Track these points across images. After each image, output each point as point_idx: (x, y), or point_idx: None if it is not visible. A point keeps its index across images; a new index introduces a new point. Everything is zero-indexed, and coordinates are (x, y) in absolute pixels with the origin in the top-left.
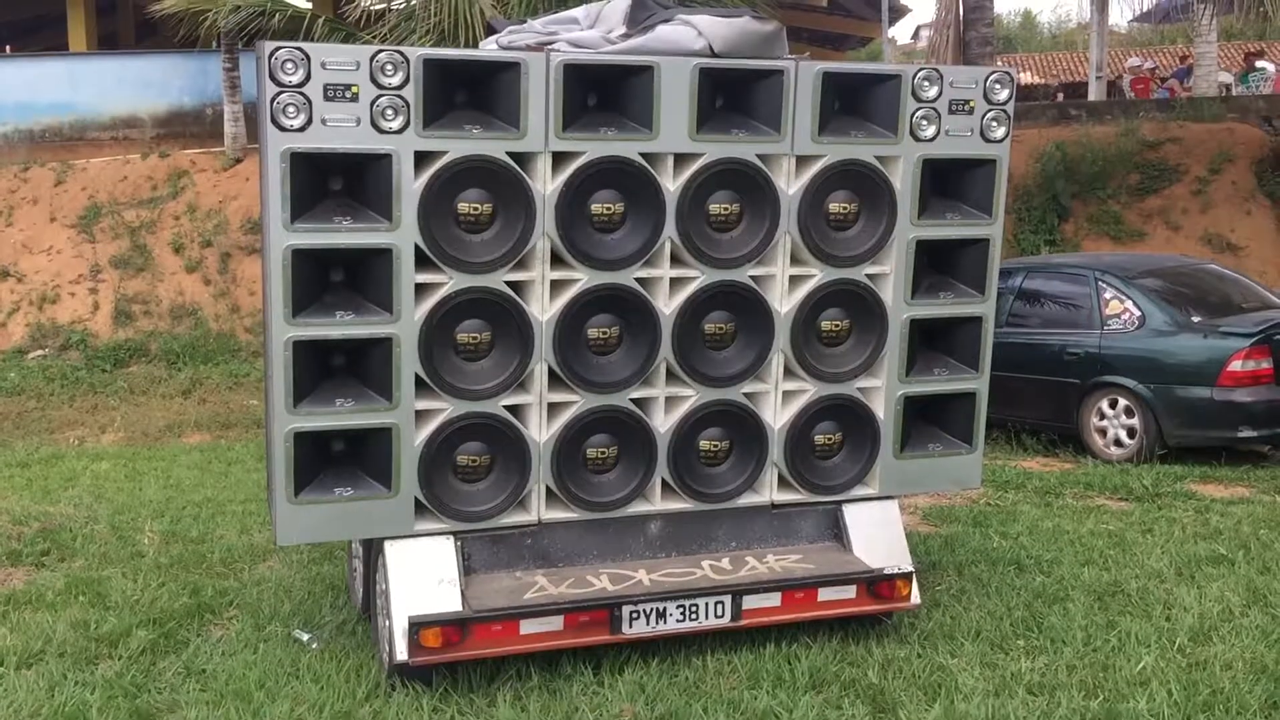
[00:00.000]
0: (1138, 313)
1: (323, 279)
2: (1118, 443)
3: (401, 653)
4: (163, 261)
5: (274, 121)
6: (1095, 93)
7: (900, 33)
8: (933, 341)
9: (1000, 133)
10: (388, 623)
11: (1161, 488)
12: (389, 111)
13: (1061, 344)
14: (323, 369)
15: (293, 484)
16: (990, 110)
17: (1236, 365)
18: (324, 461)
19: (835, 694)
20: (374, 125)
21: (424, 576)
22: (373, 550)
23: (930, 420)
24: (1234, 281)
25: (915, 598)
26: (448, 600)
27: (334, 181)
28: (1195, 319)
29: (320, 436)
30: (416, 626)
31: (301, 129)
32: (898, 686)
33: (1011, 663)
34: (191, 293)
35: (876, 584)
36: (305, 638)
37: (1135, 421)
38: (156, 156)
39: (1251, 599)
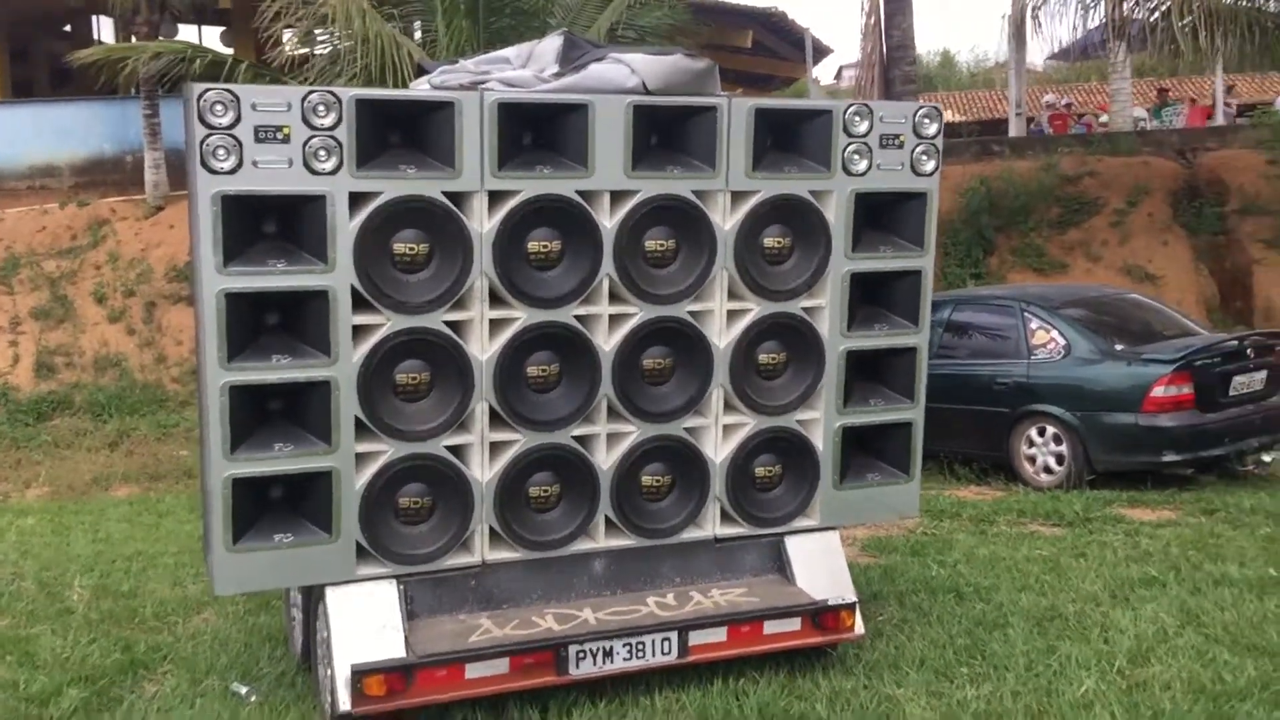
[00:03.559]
0: (1063, 342)
1: (257, 323)
2: (1047, 469)
3: (344, 703)
4: (84, 312)
5: (204, 164)
6: (1015, 129)
7: (823, 73)
8: (868, 373)
9: (930, 166)
10: (329, 671)
11: (1092, 512)
12: (322, 152)
13: (990, 374)
14: (259, 414)
15: (230, 531)
16: (919, 144)
17: (1159, 391)
18: (262, 508)
19: None
20: (307, 166)
21: (366, 622)
22: (313, 597)
23: (868, 451)
24: (1154, 310)
25: (859, 628)
26: (391, 646)
27: (267, 224)
28: (1119, 347)
29: (258, 482)
30: (359, 674)
31: (232, 171)
32: (847, 719)
33: (957, 690)
34: (115, 343)
35: (821, 615)
36: (243, 691)
37: (1063, 448)
38: (75, 206)
39: (1185, 619)
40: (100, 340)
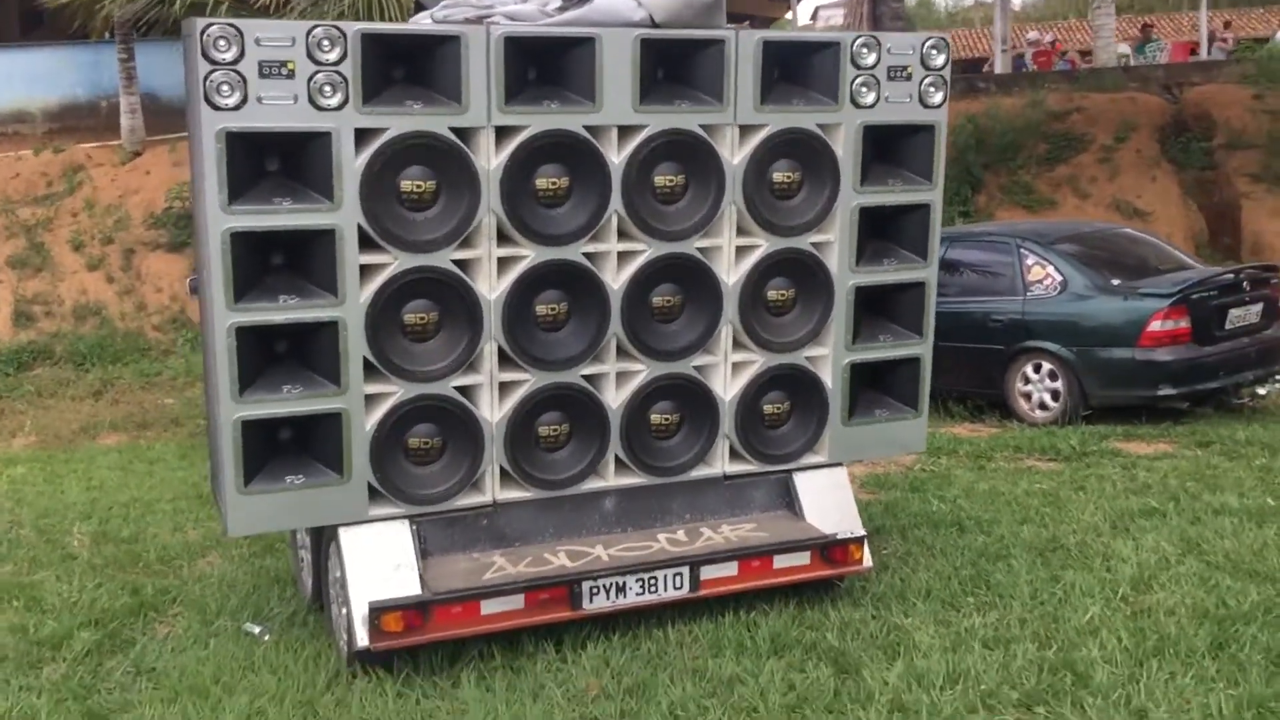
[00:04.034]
0: (1059, 278)
1: (263, 263)
2: (1042, 406)
3: (362, 639)
4: (62, 260)
5: (207, 100)
6: (1001, 66)
7: (800, 15)
8: (876, 308)
9: (938, 98)
10: (345, 610)
11: (1088, 447)
12: (327, 88)
13: (985, 311)
14: (267, 355)
15: (242, 474)
16: (927, 76)
17: (1156, 325)
18: (272, 450)
19: (798, 658)
20: (312, 102)
21: (381, 562)
22: (324, 538)
23: (875, 386)
24: (1149, 244)
25: (867, 561)
26: (407, 584)
27: (270, 162)
28: (1115, 282)
29: (267, 425)
30: (377, 612)
31: (236, 107)
32: (857, 647)
33: (964, 619)
34: (95, 291)
35: (830, 549)
36: (256, 630)
37: (1059, 384)
38: (50, 152)
39: (1186, 548)
40: (79, 289)
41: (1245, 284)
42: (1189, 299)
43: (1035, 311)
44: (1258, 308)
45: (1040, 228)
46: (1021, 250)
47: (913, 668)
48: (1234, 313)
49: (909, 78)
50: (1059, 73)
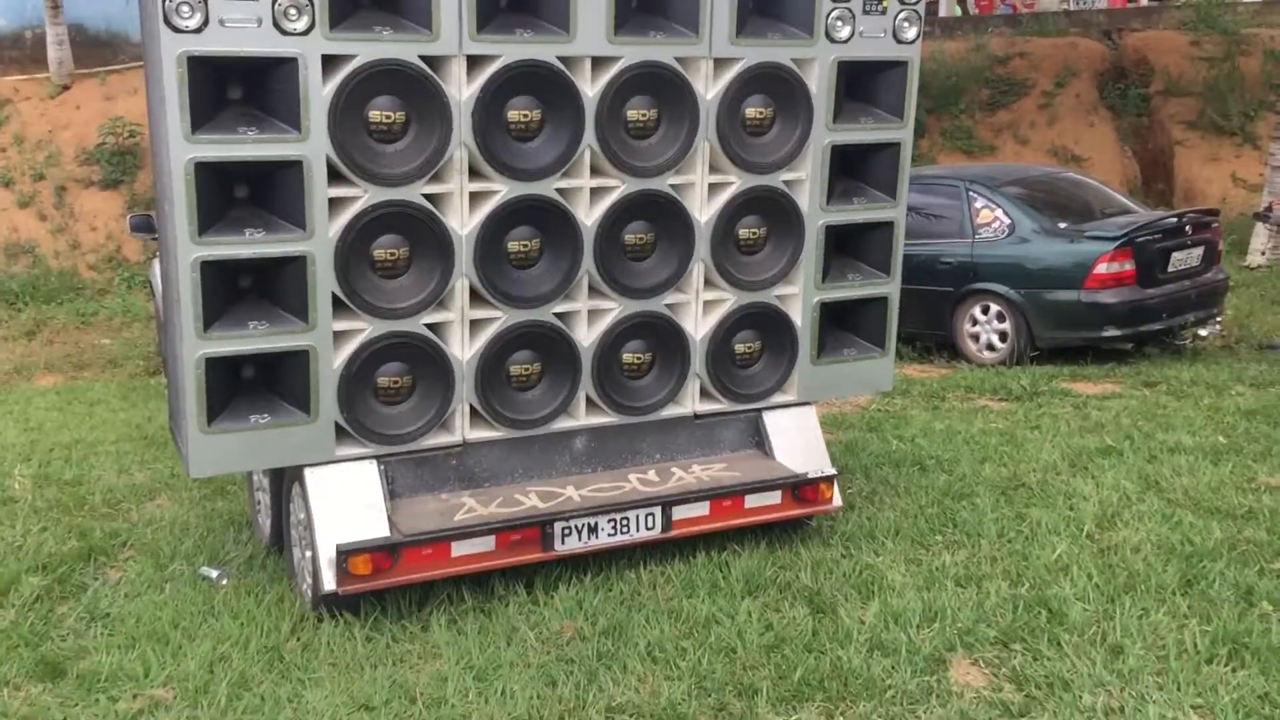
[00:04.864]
0: (1007, 221)
1: (227, 196)
2: (990, 347)
3: (329, 583)
4: None
5: (167, 22)
6: (945, 9)
7: None
8: (844, 247)
9: (912, 33)
10: (309, 553)
11: (1039, 387)
12: (292, 11)
13: (934, 254)
14: (231, 291)
15: (205, 413)
16: (902, 10)
17: (1102, 268)
18: (236, 389)
19: (773, 597)
20: (277, 26)
21: (349, 503)
22: (286, 479)
23: (843, 326)
24: (1092, 188)
25: (837, 500)
26: (375, 526)
27: (232, 89)
28: (1061, 225)
29: (231, 362)
30: (345, 554)
31: (198, 30)
32: (831, 586)
33: (934, 558)
34: (26, 229)
35: (801, 488)
36: (214, 575)
37: (1006, 326)
38: None
39: (1145, 486)
40: (9, 226)
41: (1188, 228)
42: (1134, 242)
43: (984, 254)
44: (1199, 251)
45: (989, 171)
46: (970, 193)
47: (888, 606)
48: (1176, 256)
49: (884, 12)
50: (1001, 17)
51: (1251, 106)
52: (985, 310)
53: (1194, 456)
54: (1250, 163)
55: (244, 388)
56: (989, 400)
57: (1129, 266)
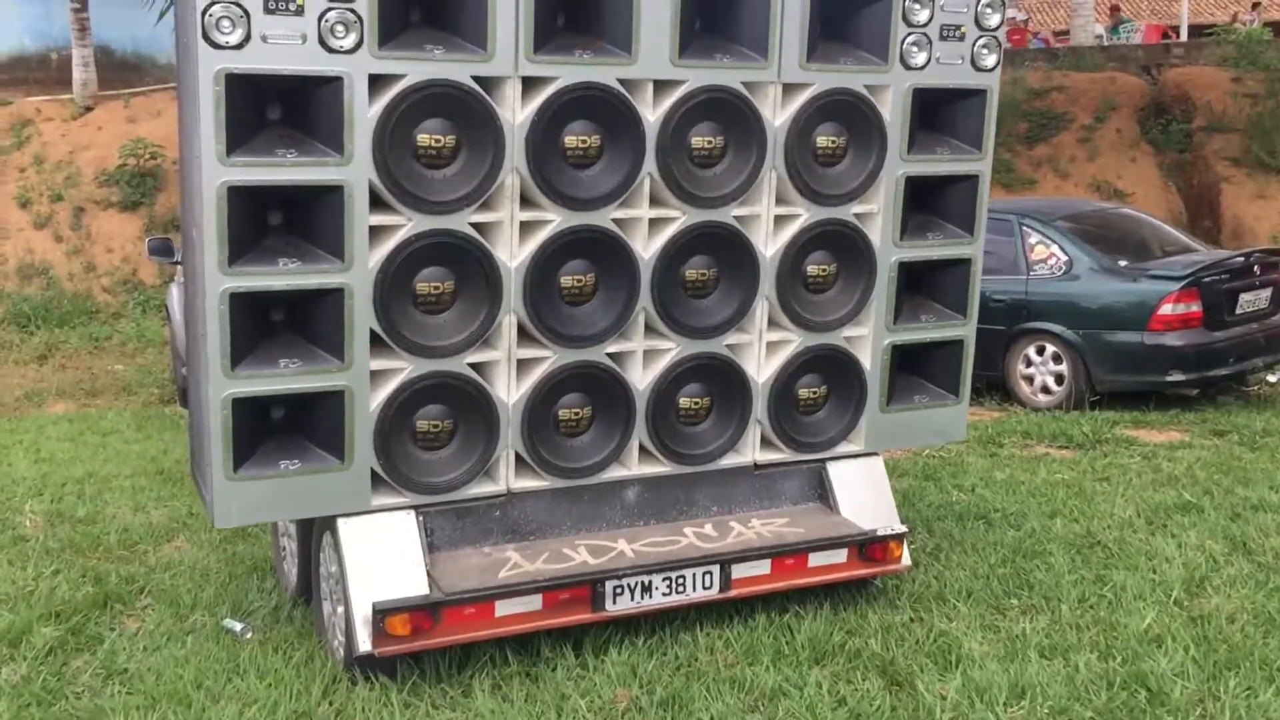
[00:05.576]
0: (1064, 257)
1: (260, 222)
2: (1045, 390)
3: (365, 643)
4: (8, 217)
5: (205, 37)
6: None
7: None
8: (918, 286)
9: (991, 61)
10: (341, 610)
11: (1101, 434)
12: (339, 27)
13: (985, 291)
14: (261, 326)
15: (231, 458)
16: (981, 37)
17: (1167, 309)
18: (264, 431)
19: (843, 666)
20: (322, 43)
21: (385, 557)
22: (315, 528)
23: (913, 370)
24: (1150, 225)
25: (906, 559)
26: (414, 583)
27: (271, 109)
28: (1122, 263)
29: (259, 403)
30: (382, 614)
31: (238, 46)
32: (904, 655)
33: (1011, 624)
34: (42, 251)
35: (869, 546)
36: (238, 628)
37: (1063, 368)
38: None
39: (1232, 547)
40: (25, 247)
41: (1255, 268)
42: (1200, 282)
43: (1039, 292)
44: (1267, 293)
45: (1041, 205)
46: (1024, 228)
47: (970, 680)
48: (1244, 297)
49: (962, 38)
50: (1038, 50)
51: None
52: (1040, 351)
53: None
54: None
55: (273, 431)
56: (1049, 447)
57: (1195, 308)
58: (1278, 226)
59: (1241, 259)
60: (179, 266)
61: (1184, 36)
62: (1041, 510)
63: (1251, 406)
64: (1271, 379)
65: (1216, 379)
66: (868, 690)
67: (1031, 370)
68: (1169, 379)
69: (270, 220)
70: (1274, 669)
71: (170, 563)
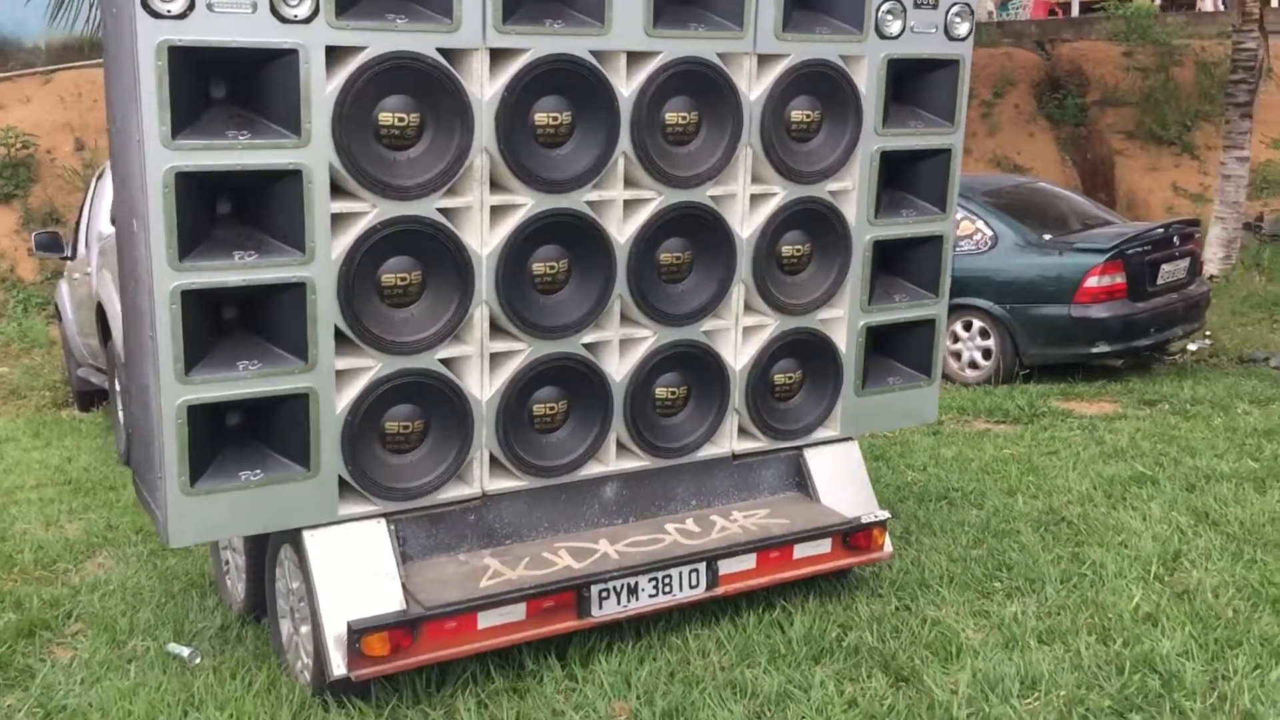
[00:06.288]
0: (989, 233)
1: (209, 212)
2: (973, 365)
3: (339, 666)
4: None
5: (144, 5)
6: None
7: None
8: (890, 265)
9: (964, 29)
10: (307, 629)
11: (1036, 408)
12: None
13: None
14: (214, 325)
15: (188, 471)
16: (955, 5)
17: (1093, 282)
18: (219, 440)
19: (843, 663)
20: (275, 12)
21: (357, 571)
22: (271, 540)
23: (885, 352)
24: (1069, 199)
25: (888, 546)
26: (389, 598)
27: (216, 87)
28: (1046, 237)
29: (214, 409)
30: (358, 633)
31: (181, 15)
32: (903, 648)
33: (1001, 609)
34: None
35: (853, 535)
36: (185, 653)
37: (991, 343)
38: None
39: (1196, 519)
40: None
41: (1175, 238)
42: (1124, 254)
43: (965, 268)
44: (1185, 263)
45: (965, 181)
46: None
47: (979, 673)
48: (1165, 268)
49: (935, 5)
50: None
51: (1188, 116)
52: (967, 327)
53: (1234, 484)
54: (1190, 172)
55: (229, 438)
56: (988, 423)
57: (1120, 280)
58: (1170, 199)
59: (1161, 230)
60: (68, 262)
61: (1075, 12)
62: (999, 488)
63: (1172, 376)
64: (1192, 347)
65: (1140, 349)
66: (875, 688)
67: (959, 346)
68: (1095, 351)
69: (219, 209)
70: (1276, 645)
71: (96, 582)
